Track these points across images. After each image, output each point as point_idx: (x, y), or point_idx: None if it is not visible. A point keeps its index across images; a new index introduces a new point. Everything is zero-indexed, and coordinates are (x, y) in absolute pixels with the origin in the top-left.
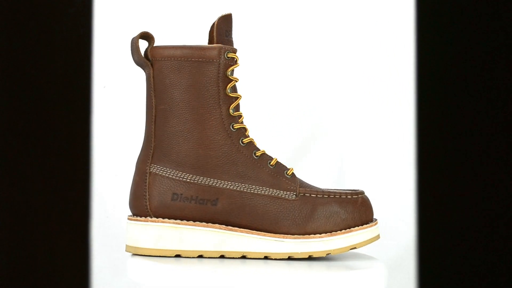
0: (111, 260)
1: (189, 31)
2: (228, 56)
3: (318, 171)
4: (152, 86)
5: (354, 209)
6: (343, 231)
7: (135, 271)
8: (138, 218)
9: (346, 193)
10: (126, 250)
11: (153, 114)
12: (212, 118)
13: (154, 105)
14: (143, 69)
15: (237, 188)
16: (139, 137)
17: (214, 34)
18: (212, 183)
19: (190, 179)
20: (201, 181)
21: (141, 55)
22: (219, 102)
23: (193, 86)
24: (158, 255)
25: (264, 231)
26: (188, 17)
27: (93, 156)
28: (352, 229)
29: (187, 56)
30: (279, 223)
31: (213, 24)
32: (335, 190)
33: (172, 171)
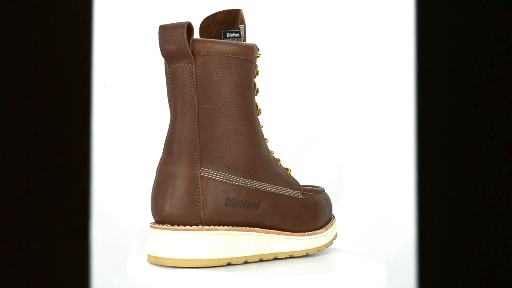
0: (111, 260)
1: None
2: (257, 55)
3: (318, 171)
4: (194, 83)
5: (330, 203)
6: (331, 224)
7: (135, 271)
8: (189, 227)
9: (320, 189)
10: (164, 264)
11: (196, 113)
12: (254, 119)
13: (196, 104)
14: (172, 63)
15: (273, 190)
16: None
17: (213, 29)
18: (257, 186)
19: (241, 183)
20: (250, 185)
21: (188, 45)
22: (255, 102)
23: (240, 85)
24: (212, 265)
25: (287, 231)
26: (188, 17)
27: (93, 156)
28: (333, 221)
29: (235, 53)
30: (296, 222)
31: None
32: (312, 187)
33: (226, 174)
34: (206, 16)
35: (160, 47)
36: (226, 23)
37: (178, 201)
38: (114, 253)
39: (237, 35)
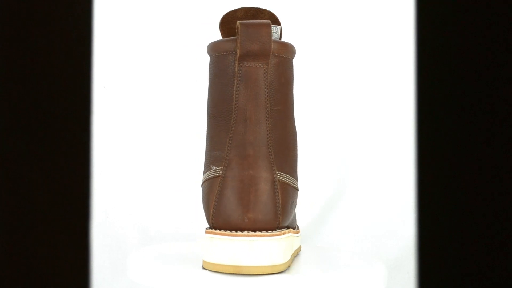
0: (111, 260)
1: (189, 31)
2: None
3: (318, 171)
4: (268, 84)
5: None
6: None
7: (135, 271)
8: (271, 232)
9: None
10: (248, 272)
11: (268, 115)
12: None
13: (269, 105)
14: (245, 62)
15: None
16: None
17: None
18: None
19: (296, 186)
20: (298, 187)
21: (271, 46)
22: None
23: (293, 87)
24: (285, 269)
25: (293, 228)
26: (188, 17)
27: (93, 156)
28: None
29: (292, 55)
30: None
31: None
32: None
33: (291, 177)
34: (226, 12)
35: (240, 45)
36: (245, 20)
37: (263, 207)
38: (114, 253)
39: None
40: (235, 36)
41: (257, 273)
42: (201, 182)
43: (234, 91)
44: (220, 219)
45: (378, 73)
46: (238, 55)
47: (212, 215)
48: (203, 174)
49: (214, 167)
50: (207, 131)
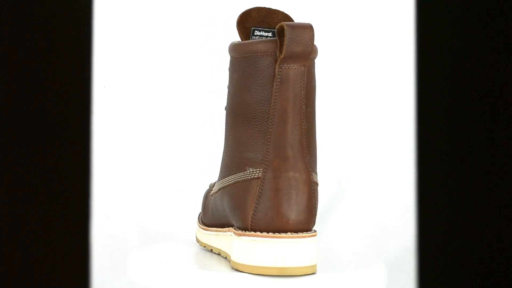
0: (111, 260)
1: (189, 31)
2: None
3: (318, 172)
4: (304, 86)
5: None
6: None
7: (135, 271)
8: (310, 233)
9: None
10: (293, 273)
11: (303, 117)
12: None
13: (304, 107)
14: (285, 64)
15: None
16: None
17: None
18: None
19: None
20: None
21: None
22: None
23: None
24: None
25: None
26: (188, 17)
27: (93, 156)
28: None
29: (317, 56)
30: None
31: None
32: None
33: (317, 178)
34: (242, 12)
35: (286, 46)
36: (257, 20)
37: (304, 208)
38: (114, 253)
39: (266, 34)
40: (248, 35)
41: (300, 274)
42: (218, 183)
43: (273, 93)
44: (262, 221)
45: (379, 74)
46: (282, 56)
47: (252, 217)
48: (228, 176)
49: (251, 169)
50: (231, 132)
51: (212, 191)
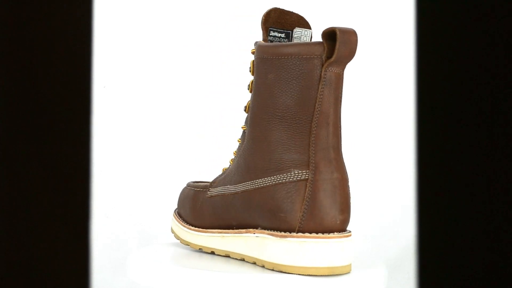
0: (111, 260)
1: (189, 31)
2: None
3: None
4: (342, 89)
5: None
6: None
7: (135, 271)
8: (350, 232)
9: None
10: (341, 272)
11: (339, 119)
12: None
13: (340, 109)
14: (330, 67)
15: None
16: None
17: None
18: None
19: None
20: None
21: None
22: None
23: None
24: None
25: None
26: (188, 17)
27: (93, 156)
28: None
29: None
30: None
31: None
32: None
33: None
34: (265, 11)
35: (338, 50)
36: (274, 20)
37: (346, 208)
38: (114, 253)
39: (279, 35)
40: (266, 36)
41: (347, 272)
42: (238, 185)
43: (318, 95)
44: (311, 222)
45: (379, 74)
46: (332, 59)
47: (301, 219)
48: (261, 178)
49: (296, 171)
50: (263, 134)
51: (214, 192)
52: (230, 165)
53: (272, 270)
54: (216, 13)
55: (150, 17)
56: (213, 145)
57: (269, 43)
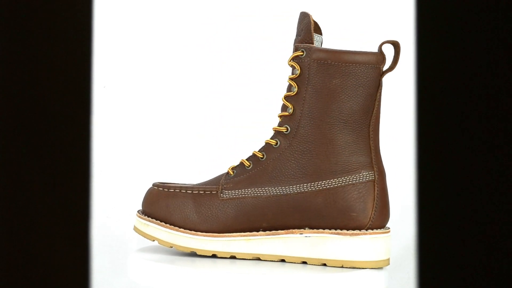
0: (111, 260)
1: (189, 31)
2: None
3: None
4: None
5: None
6: None
7: (135, 271)
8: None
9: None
10: (384, 265)
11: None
12: None
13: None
14: (383, 75)
15: None
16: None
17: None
18: None
19: None
20: None
21: None
22: None
23: None
24: None
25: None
26: (188, 17)
27: (93, 156)
28: None
29: None
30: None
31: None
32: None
33: None
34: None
35: (396, 61)
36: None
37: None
38: (114, 253)
39: (316, 41)
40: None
41: (386, 265)
42: (292, 187)
43: (376, 102)
44: (380, 219)
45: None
46: (390, 69)
47: (371, 217)
48: (328, 179)
49: (365, 172)
50: (327, 137)
51: (236, 195)
52: (249, 166)
53: (341, 267)
54: (216, 13)
55: (150, 17)
56: (213, 145)
57: (330, 49)
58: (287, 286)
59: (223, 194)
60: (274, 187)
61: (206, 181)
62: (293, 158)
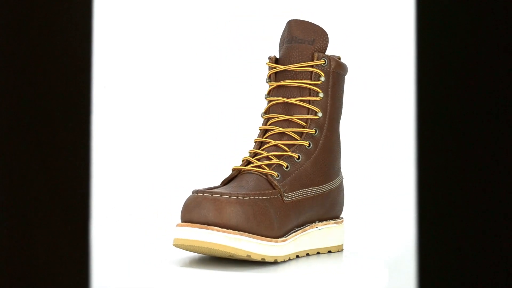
0: (111, 260)
1: (189, 31)
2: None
3: None
4: None
5: None
6: None
7: (135, 271)
8: None
9: None
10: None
11: None
12: None
13: None
14: None
15: None
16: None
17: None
18: None
19: None
20: None
21: None
22: None
23: None
24: None
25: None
26: (188, 16)
27: (93, 156)
28: None
29: None
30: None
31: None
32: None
33: None
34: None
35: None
36: None
37: None
38: (114, 253)
39: None
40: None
41: None
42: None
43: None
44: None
45: (378, 74)
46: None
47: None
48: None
49: (339, 172)
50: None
51: (295, 197)
52: (287, 167)
53: (341, 251)
54: (216, 13)
55: (150, 17)
56: (213, 145)
57: (340, 61)
58: (287, 286)
59: (286, 197)
60: (316, 186)
61: (239, 185)
62: (322, 159)
